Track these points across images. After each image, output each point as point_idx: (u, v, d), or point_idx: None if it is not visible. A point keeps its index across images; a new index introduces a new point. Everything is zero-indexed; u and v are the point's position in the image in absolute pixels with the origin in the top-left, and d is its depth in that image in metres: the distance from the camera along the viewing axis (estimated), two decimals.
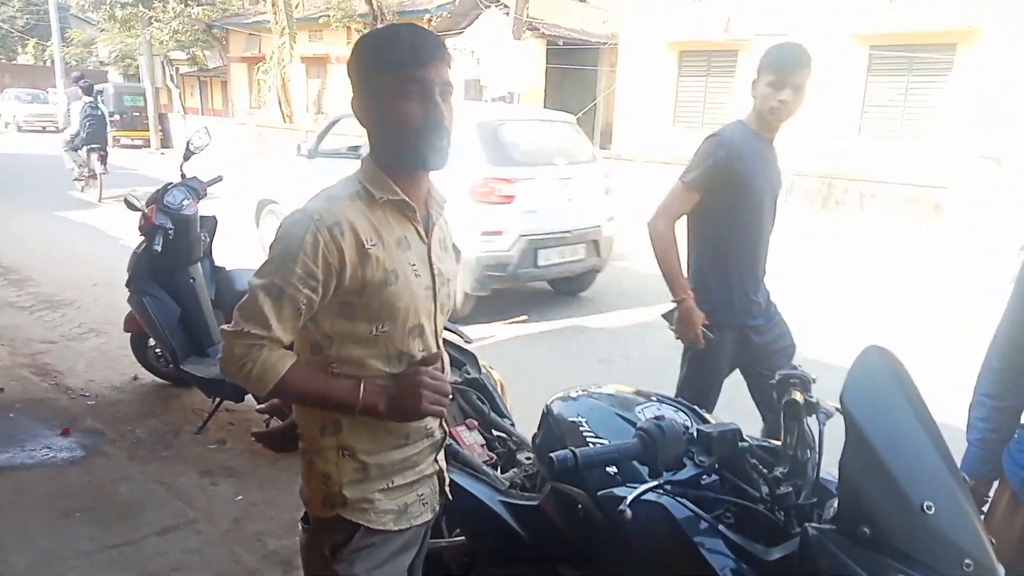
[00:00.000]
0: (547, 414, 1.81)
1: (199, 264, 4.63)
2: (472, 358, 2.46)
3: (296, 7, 20.94)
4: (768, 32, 13.00)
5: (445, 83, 1.43)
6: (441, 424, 1.63)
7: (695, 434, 1.39)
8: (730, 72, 13.91)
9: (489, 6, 16.76)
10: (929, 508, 1.21)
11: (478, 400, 2.31)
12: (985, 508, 2.01)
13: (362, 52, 1.47)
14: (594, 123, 17.18)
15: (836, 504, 1.31)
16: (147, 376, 4.97)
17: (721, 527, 1.39)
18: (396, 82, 1.41)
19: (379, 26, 1.52)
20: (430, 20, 19.38)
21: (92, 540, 3.21)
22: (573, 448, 1.33)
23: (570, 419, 1.72)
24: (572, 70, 16.41)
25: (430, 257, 1.54)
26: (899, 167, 10.82)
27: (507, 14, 14.80)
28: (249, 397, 4.12)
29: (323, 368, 1.49)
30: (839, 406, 1.27)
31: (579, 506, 1.61)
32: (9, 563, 3.07)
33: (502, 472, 2.04)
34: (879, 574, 1.20)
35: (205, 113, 28.71)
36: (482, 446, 2.15)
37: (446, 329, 2.67)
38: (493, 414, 2.28)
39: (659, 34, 14.39)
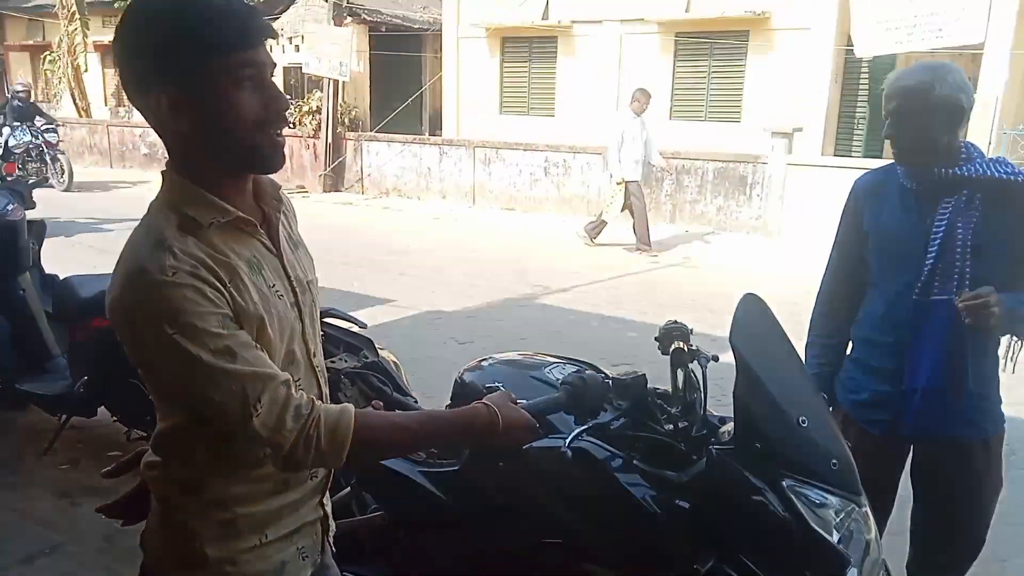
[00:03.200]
0: (461, 384, 1.95)
1: (27, 273, 4.28)
2: (368, 342, 2.53)
3: None
4: (585, 19, 13.67)
5: (272, 65, 1.20)
6: None
7: (611, 383, 1.58)
8: (551, 58, 14.46)
9: None
10: (803, 422, 1.49)
11: (379, 383, 2.40)
12: None
13: (157, 34, 1.13)
14: (421, 110, 17.25)
15: (731, 428, 1.56)
16: None
17: (636, 461, 1.61)
18: (224, 69, 1.13)
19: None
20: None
21: None
22: None
23: (487, 385, 1.87)
24: (397, 57, 16.34)
25: (285, 269, 1.30)
26: (706, 146, 11.81)
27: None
28: (102, 411, 3.89)
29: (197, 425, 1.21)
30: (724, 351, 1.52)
31: (500, 464, 1.76)
32: None
33: None
34: (771, 479, 1.46)
35: None
36: None
37: (337, 317, 2.73)
38: (396, 393, 2.38)
39: (479, 20, 14.67)
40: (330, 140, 14.31)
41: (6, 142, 13.08)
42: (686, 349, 1.73)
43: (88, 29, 19.20)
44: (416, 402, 2.40)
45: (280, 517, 1.31)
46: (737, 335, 1.50)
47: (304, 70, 14.90)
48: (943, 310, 2.00)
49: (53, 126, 14.04)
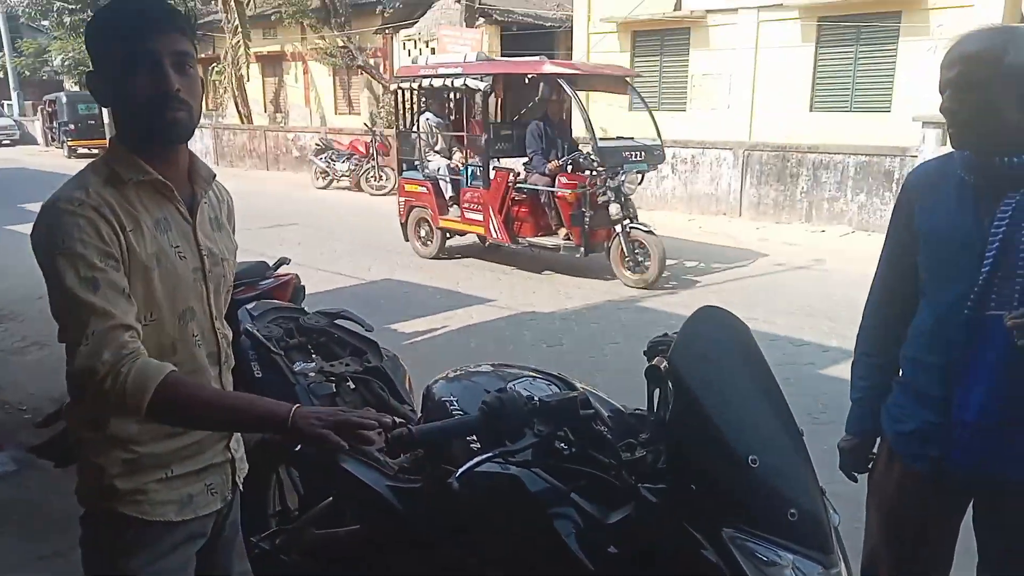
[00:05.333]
0: (426, 396, 1.82)
1: None
2: (373, 346, 2.46)
3: (248, 5, 20.69)
4: (720, 7, 13.06)
5: (178, 53, 1.37)
6: None
7: (537, 404, 1.40)
8: (684, 51, 13.93)
9: None
10: (754, 462, 1.23)
11: (379, 388, 2.32)
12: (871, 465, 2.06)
13: (93, 28, 1.41)
14: None
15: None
16: None
17: (574, 495, 1.41)
18: (124, 55, 1.35)
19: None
20: (383, 12, 19.25)
21: (22, 553, 3.19)
22: (410, 426, 1.33)
23: (442, 399, 1.73)
24: (528, 55, 16.36)
25: (196, 237, 1.48)
26: (852, 138, 10.93)
27: (459, 2, 14.71)
28: None
29: None
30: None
31: (453, 484, 1.62)
32: None
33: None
34: (706, 528, 1.22)
35: None
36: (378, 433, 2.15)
37: (347, 318, 2.68)
38: (393, 401, 2.29)
39: (610, 14, 14.37)
40: None
41: None
42: (663, 367, 1.50)
43: (250, 41, 20.67)
44: (413, 411, 2.30)
45: (183, 456, 1.48)
46: (679, 354, 1.27)
47: None
48: (1001, 329, 1.63)
49: None
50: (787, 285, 7.71)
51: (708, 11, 13.27)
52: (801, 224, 10.83)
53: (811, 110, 12.53)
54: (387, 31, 18.70)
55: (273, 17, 20.65)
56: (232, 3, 20.03)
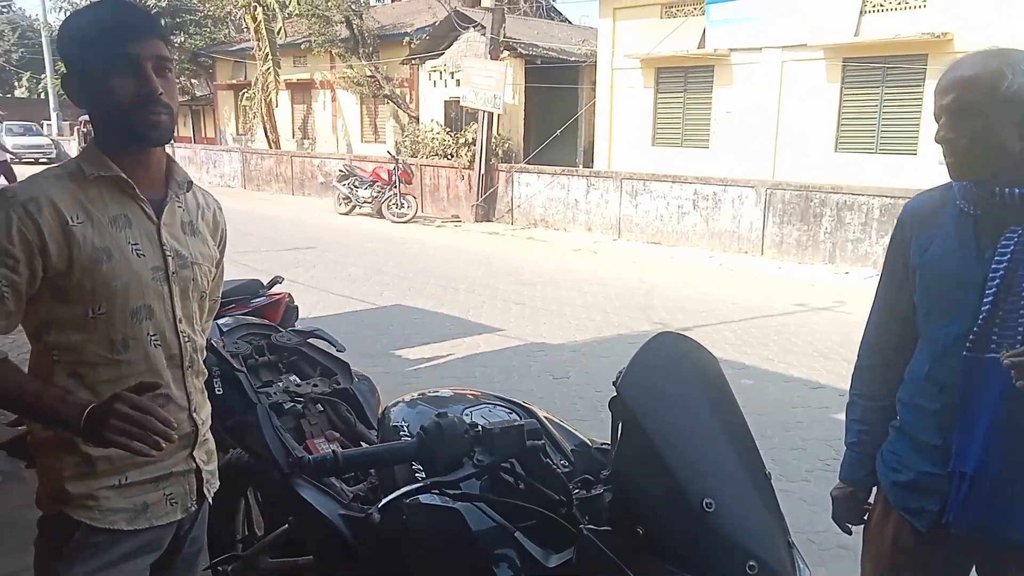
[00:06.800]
0: (380, 420, 1.72)
1: None
2: (344, 367, 2.36)
3: (278, 33, 21.08)
4: (744, 46, 13.02)
5: (159, 58, 1.42)
6: (192, 420, 1.54)
7: (480, 432, 1.28)
8: (707, 88, 13.88)
9: (467, 28, 16.84)
10: (709, 506, 1.10)
11: (346, 411, 2.21)
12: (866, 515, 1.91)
13: (69, 31, 1.44)
14: (576, 141, 17.19)
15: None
16: None
17: (518, 534, 1.29)
18: (106, 58, 1.38)
19: (90, 4, 1.51)
20: (410, 43, 19.50)
21: (6, 564, 3.10)
22: (335, 449, 1.23)
23: (394, 424, 1.63)
24: (553, 89, 16.44)
25: (160, 236, 1.49)
26: (876, 180, 10.76)
27: (484, 34, 14.83)
28: None
29: (44, 357, 1.42)
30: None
31: (370, 513, 1.51)
32: None
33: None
34: None
35: (198, 141, 28.87)
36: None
37: (320, 338, 2.59)
38: (360, 425, 2.18)
39: (633, 51, 14.39)
40: (483, 171, 14.57)
41: None
42: None
43: (279, 68, 21.03)
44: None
45: (140, 463, 1.45)
46: (627, 384, 1.15)
47: (461, 103, 15.33)
48: (1002, 371, 1.48)
49: None
50: (806, 326, 7.51)
51: (732, 49, 13.22)
52: (824, 265, 10.62)
53: (836, 150, 12.36)
54: (413, 62, 18.92)
55: (303, 46, 21.00)
56: (264, 31, 20.42)
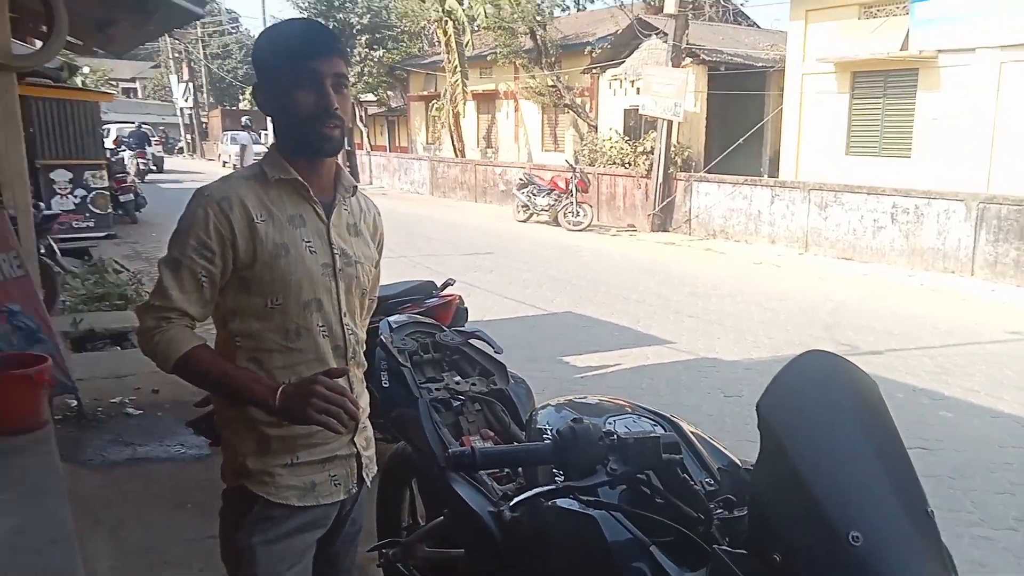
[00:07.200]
0: (528, 421, 1.76)
1: None
2: (501, 368, 2.43)
3: (467, 45, 21.98)
4: (953, 47, 11.86)
5: (337, 75, 1.52)
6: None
7: (614, 440, 1.27)
8: (910, 93, 12.76)
9: (649, 35, 16.64)
10: (856, 539, 1.03)
11: (501, 411, 2.28)
12: None
13: (262, 45, 1.57)
14: (761, 150, 16.46)
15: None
16: None
17: (653, 548, 1.27)
18: (291, 71, 1.50)
19: (283, 21, 1.70)
20: (592, 52, 19.60)
21: (196, 530, 3.49)
22: (473, 445, 1.27)
23: (538, 426, 1.66)
24: (737, 96, 15.85)
25: (329, 235, 1.60)
26: None
27: (666, 42, 14.59)
28: None
29: (228, 343, 1.57)
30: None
31: (502, 510, 1.55)
32: (126, 542, 3.41)
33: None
34: None
35: (392, 150, 30.68)
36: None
37: (478, 338, 2.68)
38: (515, 426, 2.24)
39: (827, 54, 13.53)
40: (661, 180, 14.34)
41: None
42: None
43: (467, 79, 21.95)
44: None
45: (310, 445, 1.58)
46: (768, 402, 1.09)
47: (640, 111, 15.20)
48: None
49: None
50: (1022, 357, 6.71)
51: (940, 51, 12.06)
52: None
53: None
54: (594, 71, 19.00)
55: (489, 57, 21.74)
56: (453, 44, 21.40)
